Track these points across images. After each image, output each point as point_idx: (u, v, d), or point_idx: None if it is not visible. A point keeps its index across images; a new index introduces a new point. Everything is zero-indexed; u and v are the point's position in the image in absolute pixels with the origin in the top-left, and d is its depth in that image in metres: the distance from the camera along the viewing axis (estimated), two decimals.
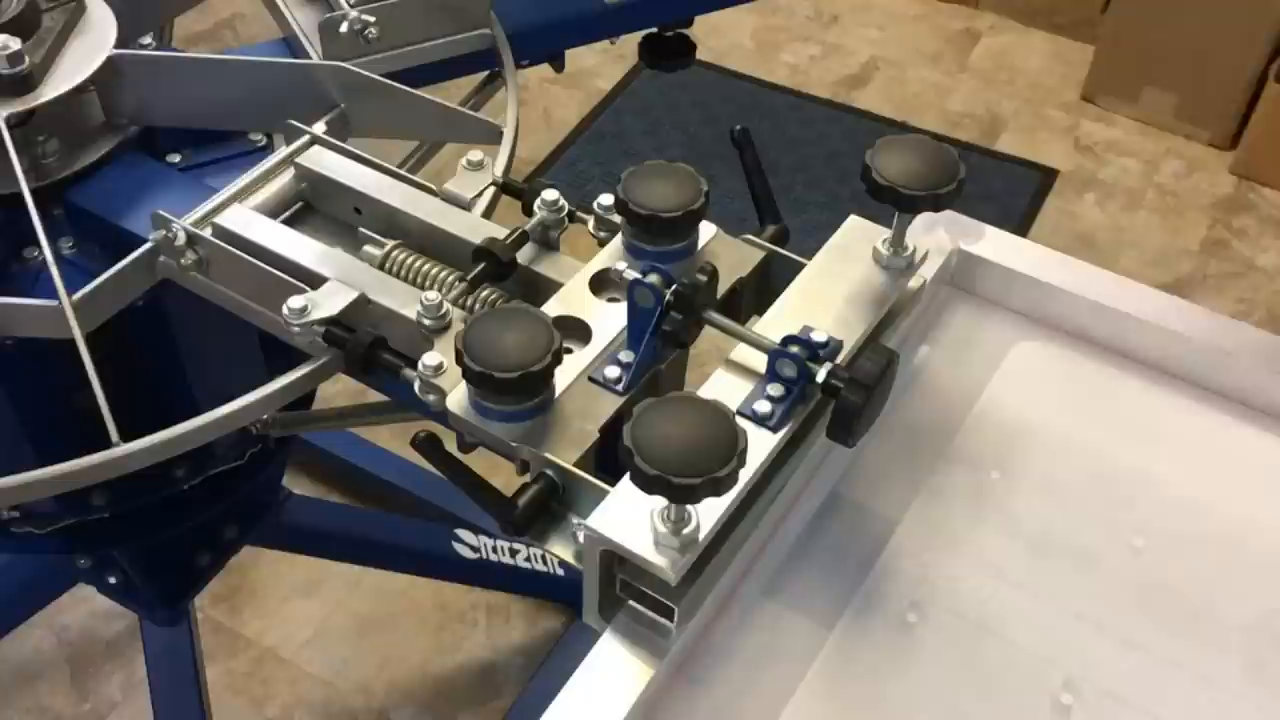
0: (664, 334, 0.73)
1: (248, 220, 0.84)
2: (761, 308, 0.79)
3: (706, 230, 0.82)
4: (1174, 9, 2.42)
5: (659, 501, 0.63)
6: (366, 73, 0.97)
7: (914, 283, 0.82)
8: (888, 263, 0.80)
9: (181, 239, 0.83)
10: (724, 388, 0.72)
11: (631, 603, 0.69)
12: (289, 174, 0.89)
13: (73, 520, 1.10)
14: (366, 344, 0.76)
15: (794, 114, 2.61)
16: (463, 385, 0.72)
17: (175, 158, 1.02)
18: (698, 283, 0.72)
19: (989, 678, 0.72)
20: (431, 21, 1.06)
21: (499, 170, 0.92)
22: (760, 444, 0.69)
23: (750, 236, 0.84)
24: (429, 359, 0.73)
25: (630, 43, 1.32)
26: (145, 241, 0.85)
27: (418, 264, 0.82)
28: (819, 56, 2.79)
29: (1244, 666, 0.72)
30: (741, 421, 0.65)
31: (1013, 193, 2.48)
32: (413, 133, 1.05)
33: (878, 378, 0.69)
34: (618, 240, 0.81)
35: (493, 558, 1.71)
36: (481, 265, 0.78)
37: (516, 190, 0.87)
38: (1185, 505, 0.80)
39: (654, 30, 1.30)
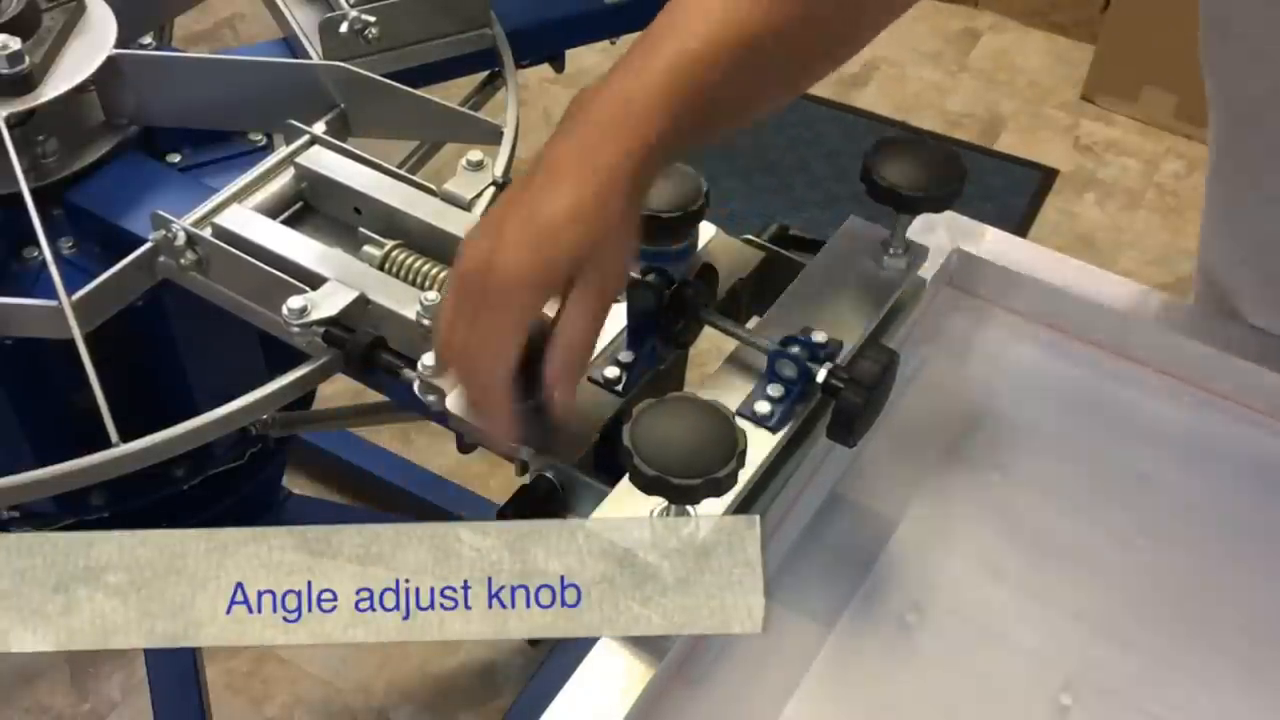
0: (664, 334, 0.73)
1: (247, 220, 0.84)
2: (761, 308, 0.79)
3: (706, 230, 0.82)
4: (1174, 9, 2.41)
5: (658, 502, 0.63)
6: (366, 73, 0.97)
7: (914, 283, 0.82)
8: (888, 263, 0.80)
9: (181, 239, 0.83)
10: (724, 388, 0.72)
11: None
12: (289, 174, 0.89)
13: (72, 520, 1.10)
14: (366, 344, 0.76)
15: (794, 113, 2.61)
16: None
17: (175, 158, 1.02)
18: (698, 283, 0.72)
19: (989, 678, 0.72)
20: (431, 21, 1.06)
21: (499, 170, 0.92)
22: (760, 444, 0.69)
23: (750, 237, 0.84)
24: (429, 359, 0.73)
25: (630, 43, 1.32)
26: (145, 241, 0.85)
27: (418, 264, 0.82)
28: None
29: (1243, 667, 0.72)
30: (741, 422, 0.65)
31: (1013, 193, 2.47)
32: (413, 133, 1.05)
33: (878, 378, 0.69)
34: None
35: None
36: None
37: None
38: (1185, 505, 0.80)
39: None
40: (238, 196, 0.86)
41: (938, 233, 0.88)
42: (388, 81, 0.97)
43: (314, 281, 0.79)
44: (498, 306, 0.62)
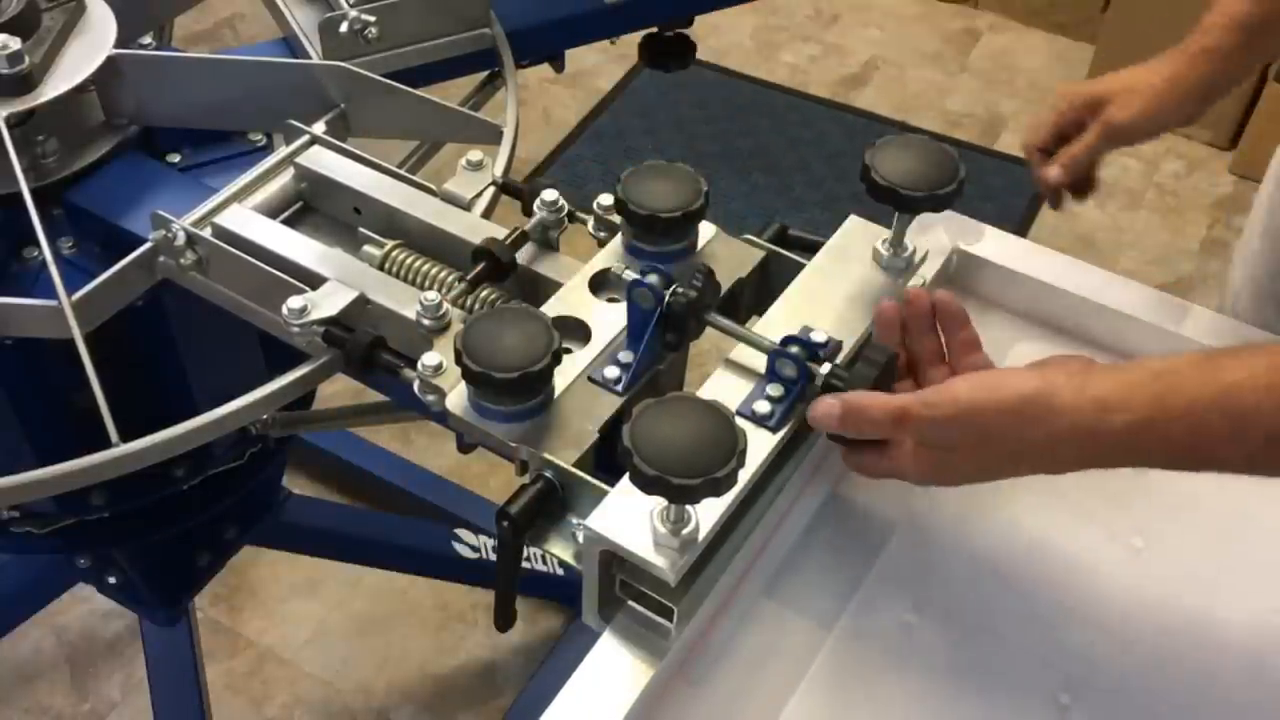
0: (664, 334, 0.73)
1: (247, 220, 0.84)
2: (761, 308, 0.79)
3: (706, 230, 0.82)
4: (1174, 9, 2.41)
5: (658, 502, 0.63)
6: (366, 73, 0.97)
7: (914, 283, 0.82)
8: (887, 263, 0.80)
9: (181, 239, 0.83)
10: (724, 388, 0.72)
11: (631, 603, 0.69)
12: (288, 174, 0.89)
13: (72, 520, 1.10)
14: (366, 344, 0.76)
15: (794, 114, 2.61)
16: (462, 385, 0.72)
17: (175, 158, 1.02)
18: (698, 283, 0.72)
19: (989, 678, 0.72)
20: (431, 21, 1.06)
21: (499, 170, 0.92)
22: (760, 444, 0.69)
23: (750, 236, 0.84)
24: (428, 359, 0.73)
25: (630, 43, 1.32)
26: (145, 241, 0.85)
27: (417, 264, 0.82)
28: (819, 56, 2.79)
29: (1243, 667, 0.72)
30: (741, 421, 0.65)
31: (1013, 193, 2.47)
32: (413, 133, 1.05)
33: (877, 378, 0.69)
34: (617, 240, 0.81)
35: (493, 557, 1.71)
36: (481, 265, 0.78)
37: (516, 190, 0.87)
38: (1185, 505, 0.80)
39: (654, 30, 1.31)
40: (238, 196, 0.86)
41: (938, 233, 0.88)
42: (388, 81, 0.97)
43: (314, 281, 0.79)
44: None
